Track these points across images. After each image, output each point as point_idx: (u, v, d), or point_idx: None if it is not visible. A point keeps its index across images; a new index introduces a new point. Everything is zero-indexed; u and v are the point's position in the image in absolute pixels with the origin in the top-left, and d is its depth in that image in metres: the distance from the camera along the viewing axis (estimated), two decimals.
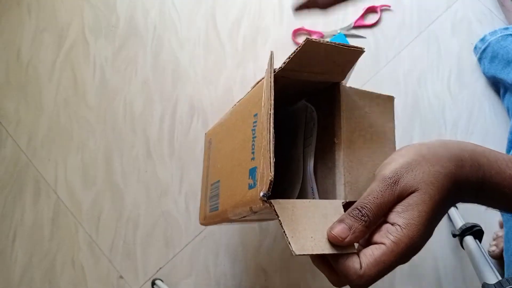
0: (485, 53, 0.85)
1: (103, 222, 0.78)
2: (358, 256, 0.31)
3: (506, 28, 0.84)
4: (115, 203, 0.79)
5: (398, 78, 0.87)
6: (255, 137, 0.41)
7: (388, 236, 0.30)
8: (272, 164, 0.35)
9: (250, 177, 0.40)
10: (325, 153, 0.43)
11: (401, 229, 0.30)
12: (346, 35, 0.86)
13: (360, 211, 0.31)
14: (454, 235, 0.73)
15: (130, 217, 0.79)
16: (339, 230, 0.32)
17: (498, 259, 0.73)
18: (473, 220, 0.72)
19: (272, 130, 0.36)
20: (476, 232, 0.70)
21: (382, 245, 0.30)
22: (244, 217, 0.44)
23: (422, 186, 0.31)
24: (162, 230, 0.78)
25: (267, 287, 0.76)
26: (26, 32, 0.88)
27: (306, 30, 0.89)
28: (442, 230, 0.78)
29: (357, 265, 0.30)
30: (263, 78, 0.42)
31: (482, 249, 0.67)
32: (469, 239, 0.70)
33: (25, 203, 0.79)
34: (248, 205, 0.39)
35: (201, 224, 0.59)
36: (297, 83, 0.43)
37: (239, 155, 0.45)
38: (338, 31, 0.88)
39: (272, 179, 0.34)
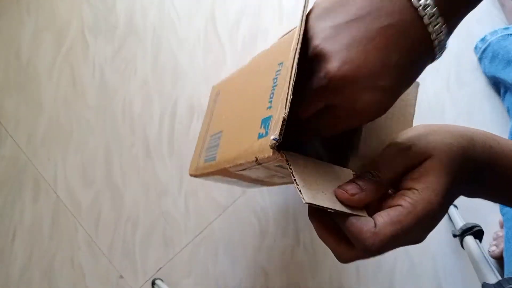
0: (485, 53, 0.85)
1: (102, 222, 0.78)
2: (373, 219, 0.29)
3: (507, 28, 0.84)
4: (115, 202, 0.79)
5: None
6: (275, 85, 0.37)
7: (405, 199, 0.28)
8: (289, 100, 0.30)
9: (262, 126, 0.36)
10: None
11: (419, 192, 0.28)
12: None
13: (371, 173, 0.30)
14: (454, 235, 0.73)
15: (129, 216, 0.79)
16: (349, 187, 0.30)
17: (498, 259, 0.73)
18: (473, 220, 0.72)
19: (295, 65, 0.31)
20: (476, 232, 0.70)
21: (399, 207, 0.28)
22: (244, 169, 0.40)
23: (436, 152, 0.29)
24: (161, 230, 0.78)
25: (267, 287, 0.76)
26: (26, 31, 0.88)
27: None
28: (442, 230, 0.78)
29: (371, 224, 0.28)
30: (293, 28, 0.38)
31: (482, 249, 0.67)
32: (469, 239, 0.70)
33: (25, 202, 0.79)
34: (254, 155, 0.36)
35: (191, 175, 0.56)
36: None
37: (253, 105, 0.41)
38: None
39: (286, 117, 0.30)
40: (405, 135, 0.31)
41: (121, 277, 0.76)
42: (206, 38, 0.89)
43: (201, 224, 0.78)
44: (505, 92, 0.82)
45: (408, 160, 0.30)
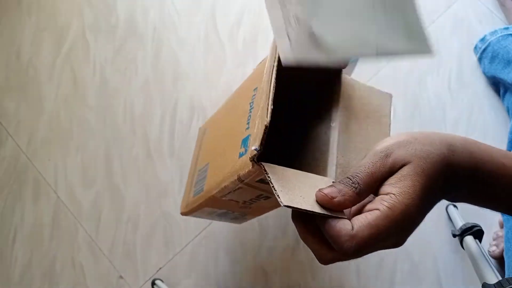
0: (485, 53, 0.85)
1: (103, 222, 0.78)
2: (351, 222, 0.30)
3: (506, 28, 0.84)
4: (115, 203, 0.79)
5: (398, 78, 0.87)
6: (252, 108, 0.39)
7: (382, 203, 0.29)
8: (269, 110, 0.32)
9: (242, 146, 0.38)
10: (321, 138, 0.43)
11: (396, 196, 0.29)
12: None
13: (350, 179, 0.31)
14: (454, 235, 0.73)
15: (130, 217, 0.79)
16: (329, 190, 0.31)
17: (499, 259, 0.73)
18: (473, 220, 0.72)
19: (273, 81, 0.33)
20: (476, 232, 0.70)
21: (376, 211, 0.29)
22: (229, 192, 0.42)
23: (414, 159, 0.30)
24: (162, 230, 0.78)
25: (267, 287, 0.76)
26: (26, 32, 0.88)
27: None
28: (442, 230, 0.78)
29: (348, 227, 0.29)
30: (265, 58, 0.41)
31: (482, 249, 0.67)
32: (469, 239, 0.70)
33: (25, 203, 0.79)
34: (236, 173, 0.37)
35: (182, 213, 0.57)
36: (300, 71, 0.43)
37: (233, 131, 0.43)
38: None
39: (268, 124, 0.32)
40: (385, 143, 0.32)
41: (121, 277, 0.76)
42: (207, 38, 0.89)
43: (201, 224, 0.78)
44: (505, 92, 0.82)
45: (387, 167, 0.31)
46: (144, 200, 0.79)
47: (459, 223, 0.73)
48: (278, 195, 0.30)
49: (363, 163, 0.31)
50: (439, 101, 0.86)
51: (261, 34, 0.90)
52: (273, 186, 0.31)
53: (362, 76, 0.86)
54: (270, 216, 0.78)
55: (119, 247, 0.77)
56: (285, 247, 0.77)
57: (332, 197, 0.30)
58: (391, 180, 0.30)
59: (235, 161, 0.39)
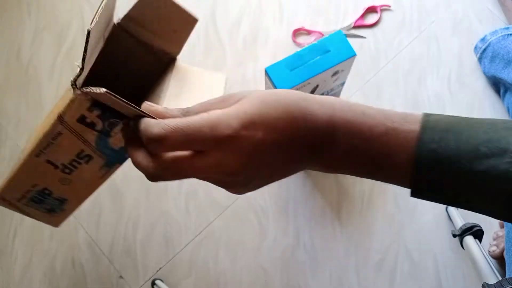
0: (485, 53, 0.85)
1: (103, 222, 0.78)
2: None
3: (507, 28, 0.84)
4: (115, 203, 0.79)
5: (398, 78, 0.87)
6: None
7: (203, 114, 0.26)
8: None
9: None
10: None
11: (222, 112, 0.26)
12: (346, 35, 0.86)
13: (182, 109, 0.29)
14: (454, 235, 0.73)
15: (130, 217, 0.79)
16: (156, 106, 0.28)
17: (499, 259, 0.73)
18: (473, 220, 0.72)
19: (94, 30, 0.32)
20: (476, 232, 0.70)
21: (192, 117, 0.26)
22: (47, 145, 0.39)
23: (252, 96, 0.27)
24: (162, 230, 0.78)
25: (267, 287, 0.76)
26: (26, 31, 0.88)
27: (306, 30, 0.89)
28: (442, 230, 0.78)
29: (161, 121, 0.26)
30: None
31: (482, 249, 0.67)
32: (469, 239, 0.70)
33: None
34: (57, 114, 0.35)
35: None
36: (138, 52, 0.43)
37: (54, 110, 0.41)
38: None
39: (83, 66, 0.31)
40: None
41: (121, 277, 0.76)
42: (207, 38, 0.89)
43: (201, 224, 0.78)
44: (505, 91, 0.82)
45: (220, 99, 0.28)
46: (144, 200, 0.79)
47: (459, 223, 0.73)
48: (95, 89, 0.28)
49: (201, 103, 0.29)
50: (439, 101, 0.86)
51: (261, 34, 0.90)
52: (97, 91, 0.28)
53: (362, 76, 0.86)
54: (270, 216, 0.78)
55: (119, 247, 0.77)
56: (285, 247, 0.77)
57: (157, 109, 0.28)
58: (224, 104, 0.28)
59: (53, 118, 0.37)
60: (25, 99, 0.84)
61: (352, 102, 0.29)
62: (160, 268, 0.76)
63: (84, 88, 0.32)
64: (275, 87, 0.61)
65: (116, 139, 0.41)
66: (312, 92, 0.66)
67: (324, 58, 0.62)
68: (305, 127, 0.27)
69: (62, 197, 0.52)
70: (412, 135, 0.27)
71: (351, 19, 0.90)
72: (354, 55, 0.62)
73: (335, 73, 0.65)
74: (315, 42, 0.63)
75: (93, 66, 0.40)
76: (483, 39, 0.86)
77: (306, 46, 0.62)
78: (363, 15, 0.90)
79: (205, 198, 0.79)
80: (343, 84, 0.72)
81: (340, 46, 0.62)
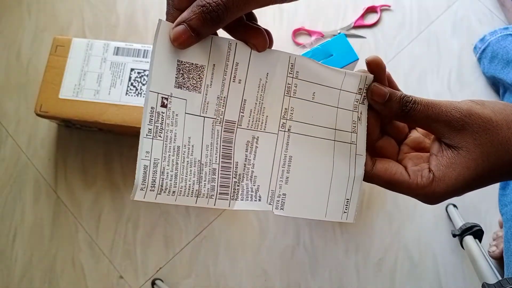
0: (484, 53, 0.85)
1: (103, 222, 0.78)
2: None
3: (506, 28, 0.84)
4: (115, 203, 0.79)
5: (398, 78, 0.87)
6: None
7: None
8: None
9: None
10: None
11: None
12: (346, 35, 0.86)
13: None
14: (454, 235, 0.73)
15: (130, 217, 0.79)
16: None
17: (498, 259, 0.73)
18: (473, 220, 0.72)
19: None
20: (476, 232, 0.70)
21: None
22: None
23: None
24: (162, 230, 0.78)
25: (267, 287, 0.76)
26: (26, 32, 0.88)
27: (306, 30, 0.89)
28: (442, 230, 0.78)
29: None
30: None
31: (482, 249, 0.67)
32: (469, 239, 0.70)
33: (25, 203, 0.79)
34: None
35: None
36: None
37: None
38: (338, 31, 0.88)
39: None
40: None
41: (121, 277, 0.76)
42: None
43: (201, 224, 0.78)
44: (504, 92, 0.82)
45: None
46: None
47: (459, 223, 0.73)
48: None
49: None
50: None
51: None
52: None
53: None
54: (270, 216, 0.78)
55: (119, 247, 0.77)
56: (285, 247, 0.77)
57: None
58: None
59: None
60: (25, 99, 0.84)
61: None
62: (160, 268, 0.77)
63: None
64: None
65: None
66: None
67: (327, 62, 0.62)
68: None
69: None
70: None
71: (351, 19, 0.90)
72: (357, 59, 0.62)
73: None
74: (317, 46, 0.63)
75: None
76: (482, 39, 0.86)
77: (309, 49, 0.63)
78: (363, 15, 0.90)
79: None
80: None
81: (343, 50, 0.63)
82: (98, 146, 0.82)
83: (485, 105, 0.30)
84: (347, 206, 0.33)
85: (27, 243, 0.78)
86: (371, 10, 0.91)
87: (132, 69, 0.74)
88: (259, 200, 0.32)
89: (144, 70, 0.74)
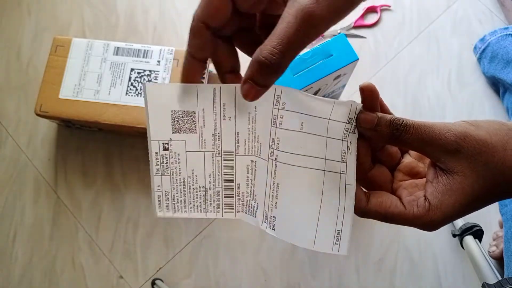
0: (484, 53, 0.85)
1: (103, 222, 0.78)
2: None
3: (506, 28, 0.84)
4: (115, 202, 0.79)
5: (398, 78, 0.87)
6: None
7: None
8: None
9: None
10: None
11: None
12: (346, 35, 0.86)
13: None
14: (454, 235, 0.73)
15: (130, 217, 0.79)
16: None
17: (498, 259, 0.73)
18: (473, 220, 0.72)
19: None
20: (476, 232, 0.70)
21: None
22: None
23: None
24: (162, 230, 0.78)
25: (267, 287, 0.76)
26: (26, 32, 0.88)
27: None
28: (442, 230, 0.78)
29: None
30: None
31: (482, 249, 0.67)
32: (469, 239, 0.70)
33: (25, 203, 0.79)
34: None
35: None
36: None
37: None
38: (338, 31, 0.88)
39: None
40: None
41: (121, 277, 0.76)
42: None
43: (201, 224, 0.78)
44: (504, 92, 0.82)
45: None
46: (144, 199, 0.79)
47: (459, 223, 0.73)
48: None
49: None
50: (439, 101, 0.86)
51: None
52: None
53: (362, 76, 0.86)
54: None
55: (119, 247, 0.77)
56: (285, 247, 0.77)
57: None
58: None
59: None
60: (25, 99, 0.84)
61: None
62: (160, 268, 0.77)
63: None
64: None
65: None
66: (314, 95, 0.66)
67: (327, 62, 0.61)
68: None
69: None
70: None
71: (350, 19, 0.90)
72: (357, 59, 0.62)
73: (337, 77, 0.65)
74: (317, 45, 0.62)
75: None
76: (482, 39, 0.86)
77: (309, 49, 0.62)
78: (363, 15, 0.90)
79: None
80: (344, 86, 0.72)
81: (343, 50, 0.62)
82: (98, 146, 0.82)
83: (480, 126, 0.29)
84: (338, 238, 0.34)
85: (27, 243, 0.78)
86: (371, 10, 0.91)
87: (132, 69, 0.74)
88: (255, 216, 0.35)
89: (144, 70, 0.74)
